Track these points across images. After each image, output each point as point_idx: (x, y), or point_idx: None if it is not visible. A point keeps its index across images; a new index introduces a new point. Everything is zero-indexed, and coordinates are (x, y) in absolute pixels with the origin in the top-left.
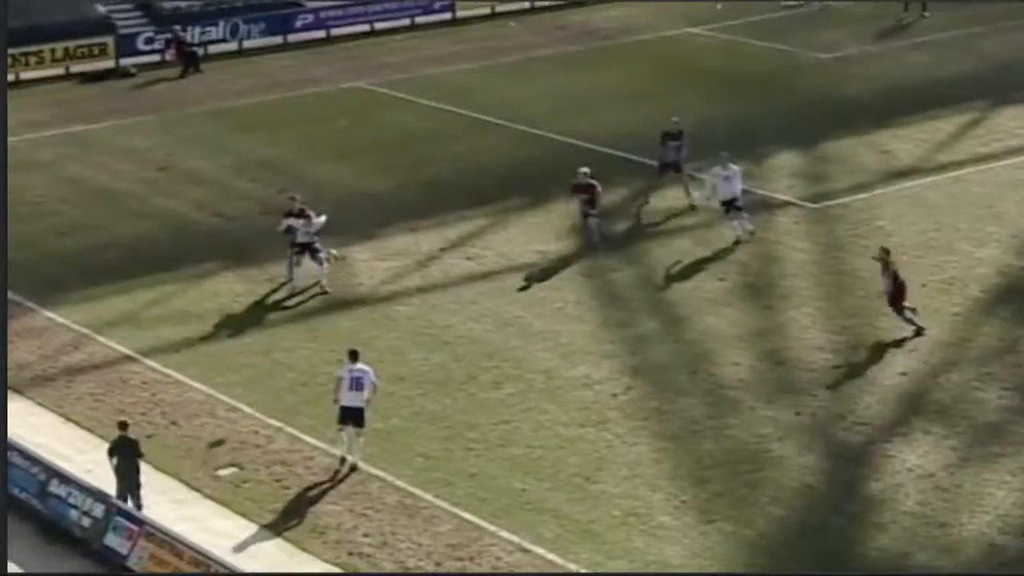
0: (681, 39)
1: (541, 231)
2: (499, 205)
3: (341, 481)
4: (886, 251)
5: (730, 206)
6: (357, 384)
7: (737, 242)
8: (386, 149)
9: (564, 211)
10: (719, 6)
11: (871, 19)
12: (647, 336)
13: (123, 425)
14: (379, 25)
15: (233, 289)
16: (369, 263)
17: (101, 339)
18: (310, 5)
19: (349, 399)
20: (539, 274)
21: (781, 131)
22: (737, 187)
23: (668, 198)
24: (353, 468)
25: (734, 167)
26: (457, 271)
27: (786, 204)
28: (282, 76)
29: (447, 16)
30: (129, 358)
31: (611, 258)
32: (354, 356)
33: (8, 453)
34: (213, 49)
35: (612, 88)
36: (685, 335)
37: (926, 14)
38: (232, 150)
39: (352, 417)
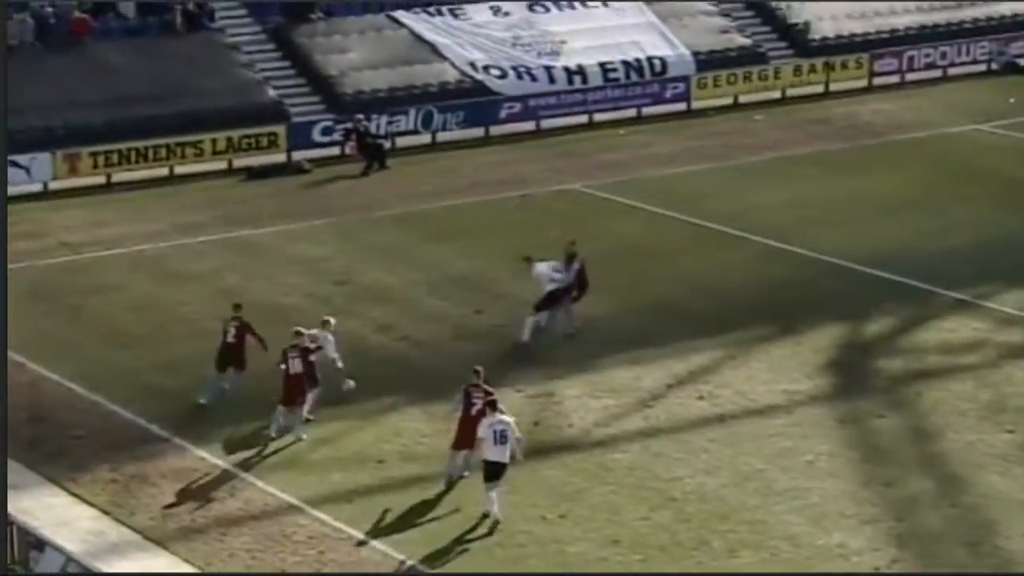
0: (965, 138)
1: (789, 367)
2: (738, 334)
3: None
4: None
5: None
6: (501, 437)
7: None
8: (603, 264)
9: (816, 344)
10: (1012, 99)
11: None
12: (917, 498)
13: None
14: (599, 116)
15: (418, 428)
16: (581, 400)
17: (260, 484)
18: (517, 92)
19: (494, 454)
20: (785, 418)
21: None
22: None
23: (943, 329)
24: (496, 523)
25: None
26: (686, 413)
27: None
28: (483, 175)
29: (681, 107)
30: (293, 508)
31: (873, 402)
32: (493, 406)
33: None
34: (402, 142)
35: (878, 195)
36: (964, 498)
37: None
38: (422, 262)
39: (496, 475)
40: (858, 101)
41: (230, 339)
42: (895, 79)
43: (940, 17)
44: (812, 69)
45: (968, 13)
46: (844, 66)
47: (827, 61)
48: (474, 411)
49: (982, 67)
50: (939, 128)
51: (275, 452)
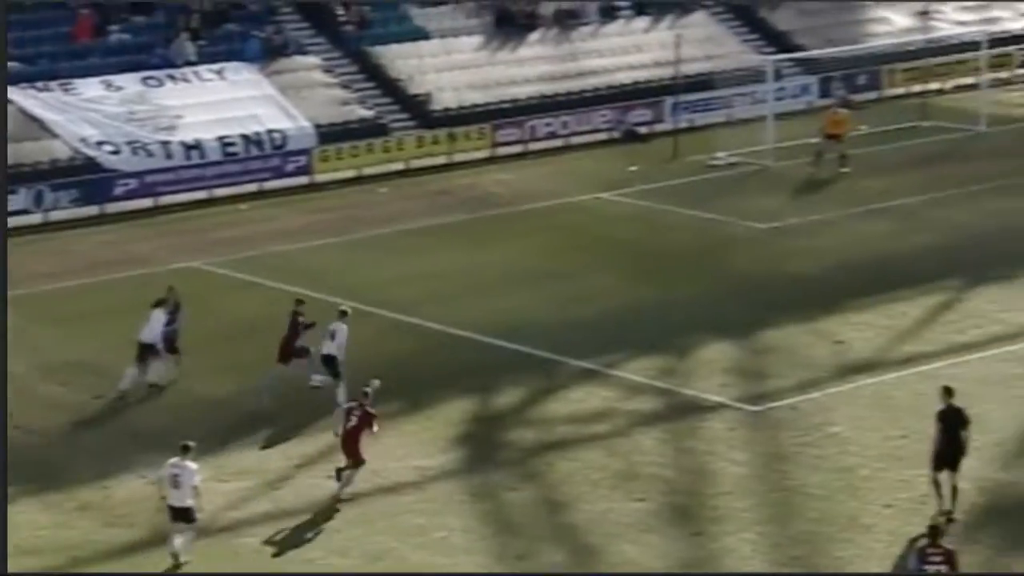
0: (589, 207)
1: (420, 442)
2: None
3: None
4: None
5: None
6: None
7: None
8: (225, 342)
9: (447, 418)
10: (633, 167)
11: (816, 182)
12: (550, 570)
13: None
14: (219, 192)
15: (35, 520)
16: (207, 484)
17: None
18: (132, 168)
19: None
20: (417, 495)
21: (711, 317)
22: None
23: (572, 399)
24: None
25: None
26: (317, 493)
27: (719, 407)
28: (99, 254)
29: (303, 180)
30: None
31: (506, 474)
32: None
33: None
34: (13, 222)
35: (503, 266)
36: (597, 568)
37: (844, 169)
38: (36, 346)
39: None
40: (481, 172)
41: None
42: (518, 149)
43: (561, 87)
44: (435, 140)
45: (589, 82)
46: (467, 136)
47: (450, 132)
48: (350, 426)
49: (603, 135)
50: (562, 197)
51: None
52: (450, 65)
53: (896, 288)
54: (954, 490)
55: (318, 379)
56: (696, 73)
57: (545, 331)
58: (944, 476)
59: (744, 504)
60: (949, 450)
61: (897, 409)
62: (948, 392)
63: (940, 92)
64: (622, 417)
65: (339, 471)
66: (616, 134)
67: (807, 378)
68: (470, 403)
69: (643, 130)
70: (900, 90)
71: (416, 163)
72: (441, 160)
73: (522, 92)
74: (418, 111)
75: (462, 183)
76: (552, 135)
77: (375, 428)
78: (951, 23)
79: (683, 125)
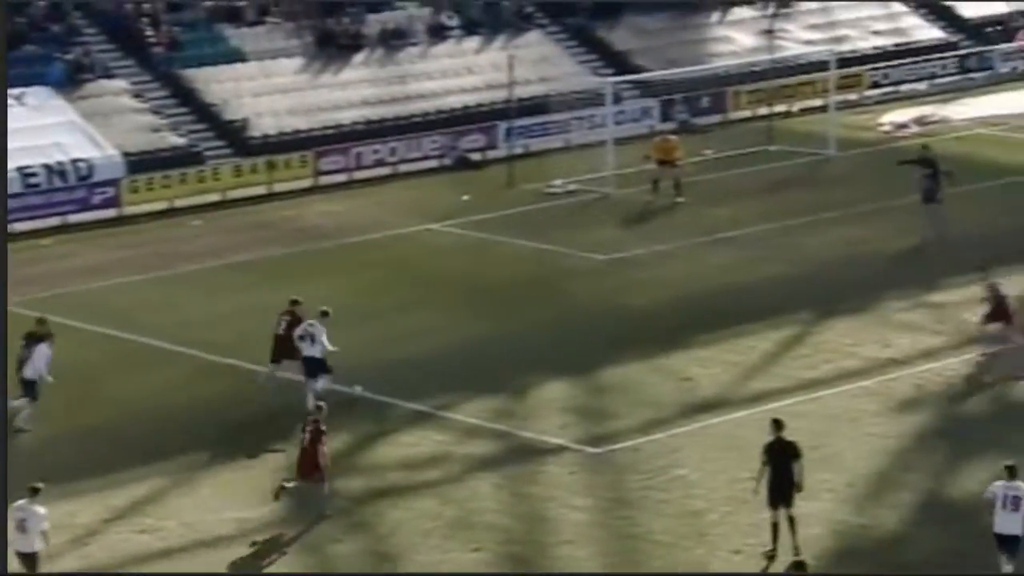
0: (419, 239)
1: (240, 492)
2: (181, 459)
3: None
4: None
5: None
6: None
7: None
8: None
9: (269, 465)
10: (466, 196)
11: (658, 211)
12: None
13: None
14: (19, 226)
15: None
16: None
17: None
18: None
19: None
20: (238, 548)
21: (550, 355)
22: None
23: (403, 444)
24: None
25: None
26: (128, 548)
27: (559, 449)
28: None
29: (111, 213)
30: None
31: (332, 525)
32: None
33: None
34: None
35: (330, 303)
36: None
37: (679, 199)
38: None
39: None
40: (304, 203)
41: (280, 331)
42: (342, 178)
43: (388, 111)
44: (253, 169)
45: (417, 106)
46: (288, 165)
47: (269, 160)
48: (306, 442)
49: (433, 163)
50: (391, 229)
51: None
52: (269, 89)
53: (744, 321)
54: (791, 521)
55: (358, 388)
56: (531, 96)
57: (374, 371)
58: (781, 513)
59: (586, 553)
60: (781, 485)
61: (745, 449)
62: (777, 425)
63: (787, 115)
64: (456, 462)
65: (282, 489)
66: (447, 161)
67: (651, 418)
68: (293, 449)
69: (476, 157)
70: (746, 113)
71: (233, 194)
72: (260, 190)
73: (346, 117)
74: (235, 138)
75: (283, 215)
76: (379, 163)
77: (324, 448)
78: (798, 42)
79: (518, 151)
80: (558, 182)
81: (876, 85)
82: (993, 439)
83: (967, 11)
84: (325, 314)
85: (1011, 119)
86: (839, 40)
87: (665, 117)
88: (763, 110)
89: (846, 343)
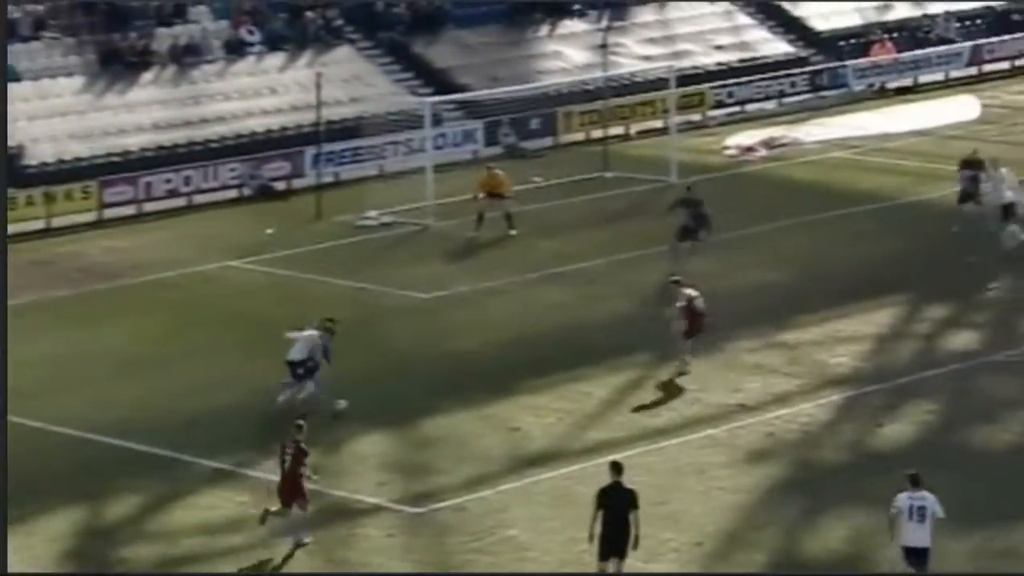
0: (217, 277)
1: (15, 563)
2: None
3: None
4: None
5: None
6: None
7: None
8: None
9: (51, 532)
10: (270, 230)
11: (484, 244)
12: None
13: None
14: None
15: None
16: None
17: None
18: None
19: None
20: None
21: (365, 404)
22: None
23: (201, 506)
24: None
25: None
26: None
27: (375, 509)
28: None
29: None
30: None
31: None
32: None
33: None
34: None
35: (115, 350)
36: None
37: (512, 232)
38: None
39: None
40: (87, 238)
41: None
42: (131, 210)
43: (181, 136)
44: (29, 201)
45: (214, 130)
46: (68, 196)
47: (47, 191)
48: (287, 467)
49: (233, 193)
50: (186, 267)
51: None
52: (46, 112)
53: (579, 365)
54: None
55: (342, 403)
56: (341, 118)
57: (166, 426)
58: (611, 565)
59: None
60: (615, 534)
61: (581, 506)
62: (616, 468)
63: (624, 138)
64: (260, 526)
65: (267, 514)
66: (248, 191)
67: (477, 473)
68: (77, 514)
69: (280, 186)
70: (578, 136)
71: (10, 229)
72: (38, 225)
73: (134, 143)
74: (8, 167)
75: (64, 251)
76: (172, 193)
77: (307, 471)
78: (634, 58)
79: (327, 179)
80: (372, 213)
81: (720, 104)
82: (850, 491)
83: (818, 24)
84: (330, 327)
85: (867, 140)
86: (679, 56)
87: (490, 141)
88: (597, 133)
89: (691, 388)
